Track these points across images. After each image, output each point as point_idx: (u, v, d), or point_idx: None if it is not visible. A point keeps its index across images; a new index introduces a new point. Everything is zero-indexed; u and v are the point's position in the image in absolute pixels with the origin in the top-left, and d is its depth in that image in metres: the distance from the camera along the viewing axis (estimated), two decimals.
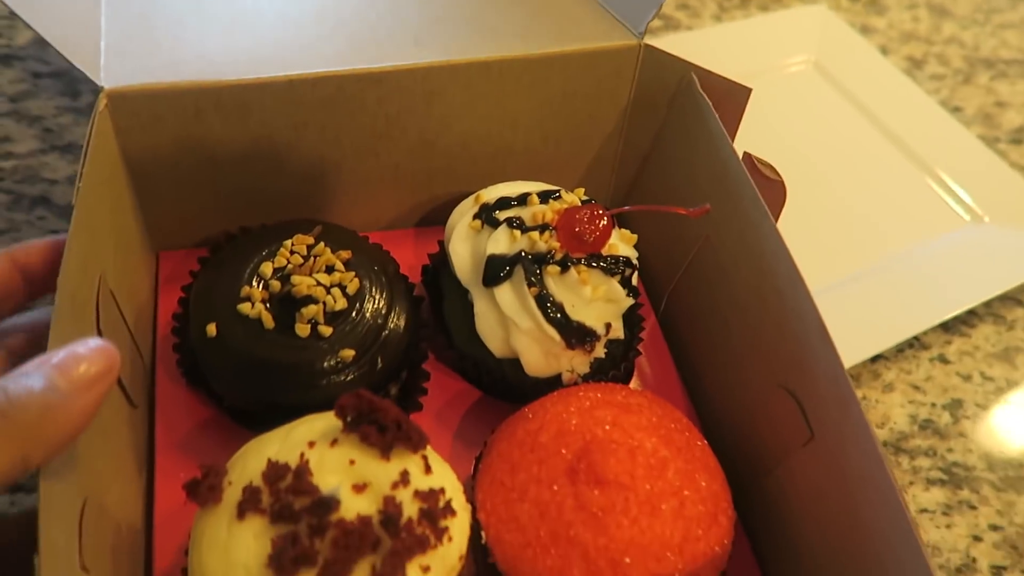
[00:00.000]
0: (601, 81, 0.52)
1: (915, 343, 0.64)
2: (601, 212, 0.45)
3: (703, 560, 0.39)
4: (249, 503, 0.35)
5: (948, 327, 0.65)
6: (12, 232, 0.58)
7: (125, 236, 0.45)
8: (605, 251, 0.46)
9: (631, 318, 0.50)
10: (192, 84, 0.44)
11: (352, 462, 0.36)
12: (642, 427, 0.42)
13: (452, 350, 0.49)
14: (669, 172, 0.54)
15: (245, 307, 0.43)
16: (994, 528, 0.55)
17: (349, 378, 0.43)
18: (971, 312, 0.66)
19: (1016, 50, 0.92)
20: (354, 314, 0.44)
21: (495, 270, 0.45)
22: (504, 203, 0.48)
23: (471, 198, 0.50)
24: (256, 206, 0.51)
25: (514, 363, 0.47)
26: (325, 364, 0.43)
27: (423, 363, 0.48)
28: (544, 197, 0.48)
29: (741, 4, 0.91)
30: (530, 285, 0.45)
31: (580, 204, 0.48)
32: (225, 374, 0.43)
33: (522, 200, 0.48)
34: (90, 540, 0.33)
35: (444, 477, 0.38)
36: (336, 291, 0.44)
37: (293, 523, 0.34)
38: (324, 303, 0.43)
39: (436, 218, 0.57)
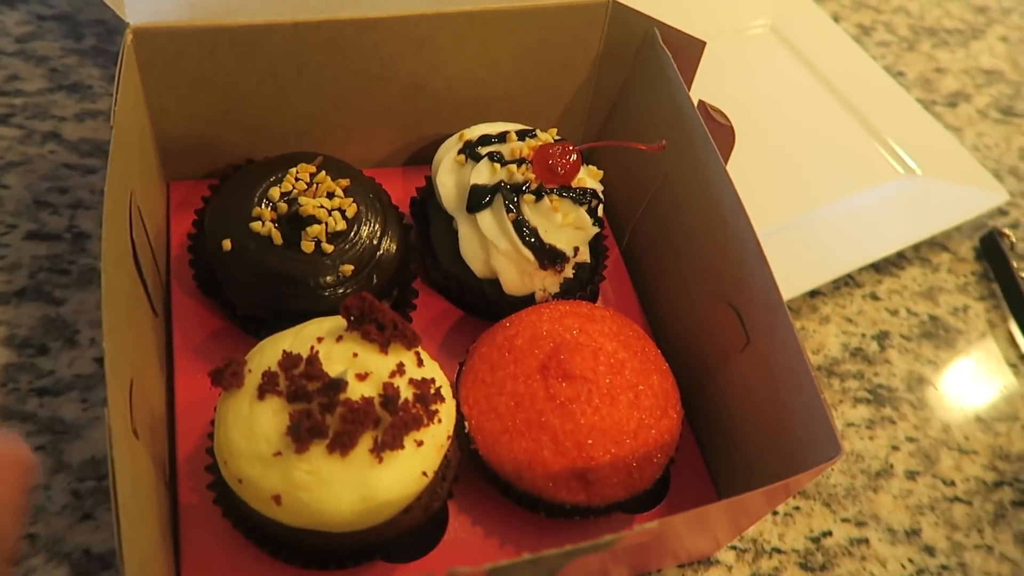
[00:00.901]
0: (574, 33, 0.57)
1: (850, 281, 0.70)
2: (571, 148, 0.51)
3: (654, 445, 0.46)
4: (268, 386, 0.40)
5: (880, 267, 0.72)
6: (26, 164, 0.62)
7: (147, 162, 0.50)
8: (575, 183, 0.52)
9: (597, 247, 0.56)
10: (209, 23, 0.49)
11: (355, 355, 0.41)
12: (604, 333, 0.48)
13: (438, 272, 0.54)
14: (633, 117, 0.60)
15: (256, 225, 0.48)
16: (910, 440, 0.62)
17: (348, 291, 0.48)
18: (900, 255, 0.72)
19: (958, 20, 0.98)
20: (352, 235, 0.49)
21: (477, 198, 0.51)
22: (486, 140, 0.53)
23: (456, 136, 0.55)
24: (260, 140, 0.56)
25: (493, 283, 0.52)
26: (328, 277, 0.48)
27: (412, 283, 0.54)
28: (521, 135, 0.53)
29: None
30: (508, 211, 0.50)
31: (553, 142, 0.53)
32: (239, 284, 0.48)
33: (502, 137, 0.53)
34: (136, 413, 0.39)
35: (434, 370, 0.43)
36: (336, 214, 0.49)
37: (307, 402, 0.39)
38: (326, 224, 0.48)
39: (422, 158, 0.62)
